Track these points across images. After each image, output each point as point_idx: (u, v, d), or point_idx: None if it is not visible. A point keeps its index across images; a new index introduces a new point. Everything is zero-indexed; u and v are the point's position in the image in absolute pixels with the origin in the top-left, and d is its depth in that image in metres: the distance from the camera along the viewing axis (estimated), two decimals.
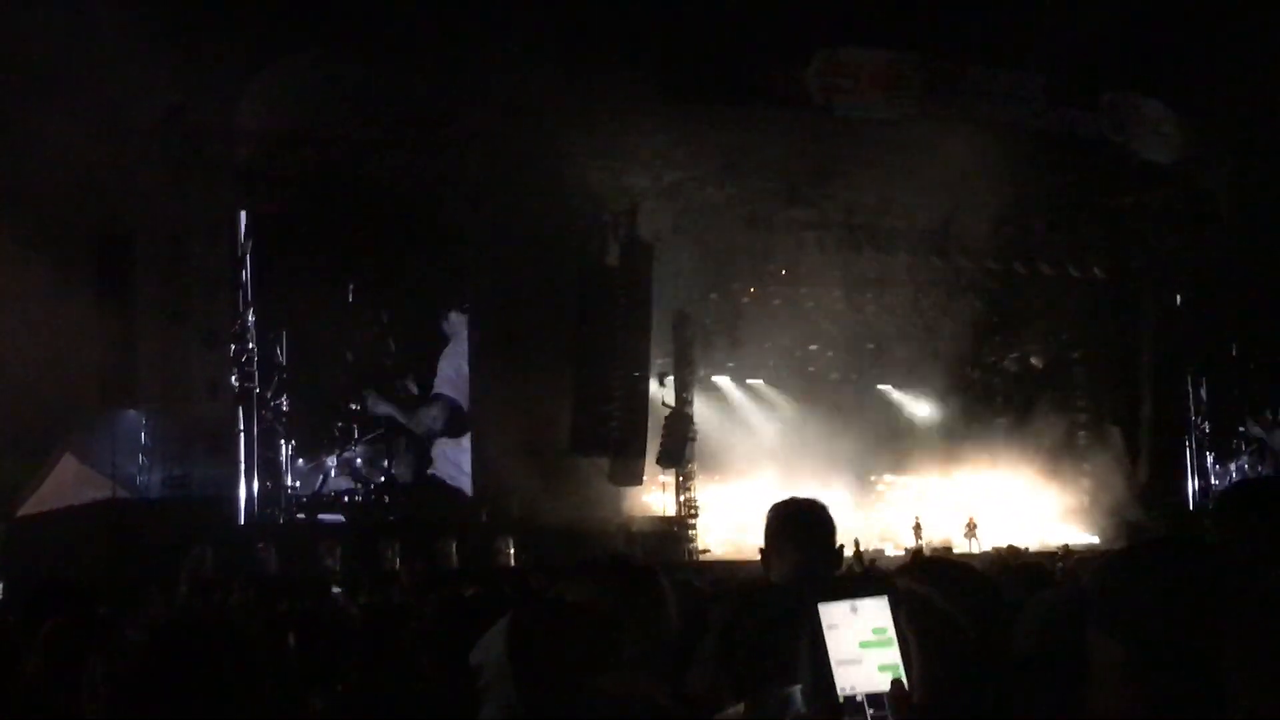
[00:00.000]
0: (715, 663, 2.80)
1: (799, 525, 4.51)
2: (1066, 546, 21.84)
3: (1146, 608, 2.49)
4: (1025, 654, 2.93)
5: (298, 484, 22.23)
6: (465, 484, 23.02)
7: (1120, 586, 2.59)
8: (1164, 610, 2.48)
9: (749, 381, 29.81)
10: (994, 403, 30.49)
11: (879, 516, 29.11)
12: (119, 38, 17.98)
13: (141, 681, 2.40)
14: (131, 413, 20.56)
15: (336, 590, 17.08)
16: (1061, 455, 28.54)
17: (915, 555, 18.17)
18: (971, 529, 26.24)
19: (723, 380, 29.19)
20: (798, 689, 2.32)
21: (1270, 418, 30.33)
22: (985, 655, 2.49)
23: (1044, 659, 2.83)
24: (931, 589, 2.46)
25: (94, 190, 19.42)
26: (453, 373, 23.23)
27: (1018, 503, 26.07)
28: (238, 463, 21.20)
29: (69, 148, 18.40)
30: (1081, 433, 29.68)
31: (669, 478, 25.88)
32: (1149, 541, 2.93)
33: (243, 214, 21.54)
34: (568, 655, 2.90)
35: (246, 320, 21.78)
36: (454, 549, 21.28)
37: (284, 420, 22.21)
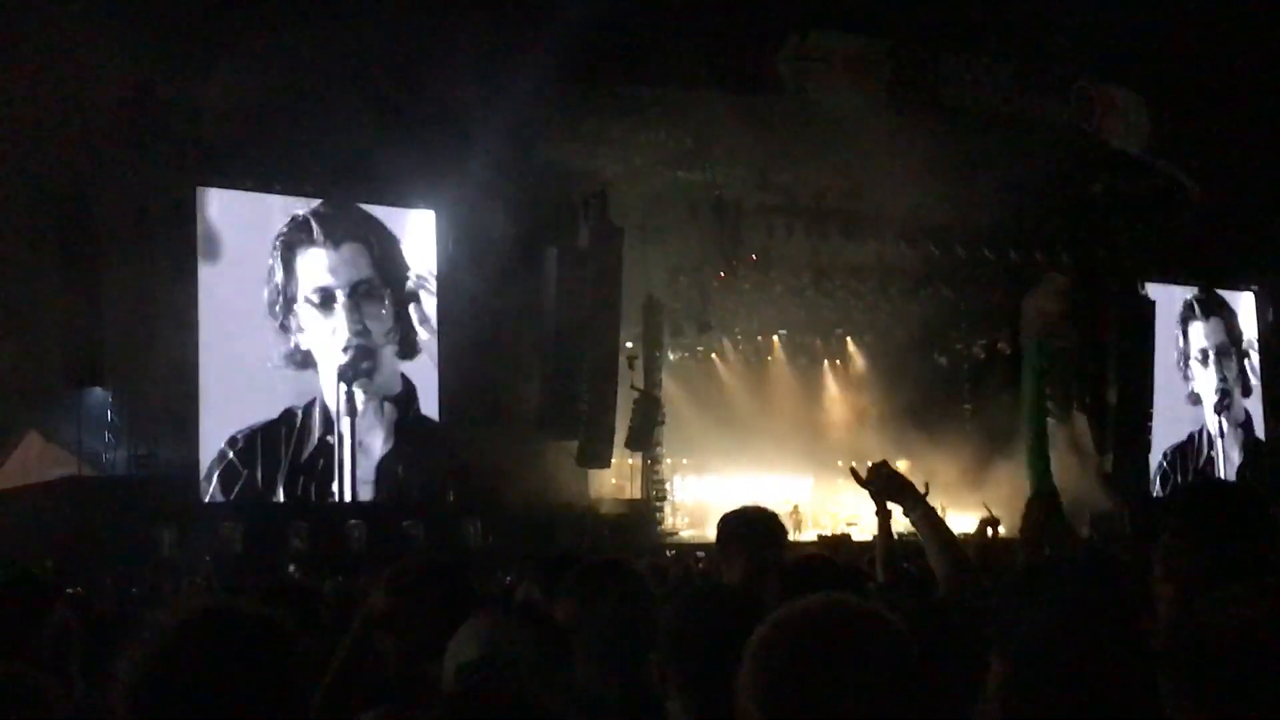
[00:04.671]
0: (666, 664, 2.82)
1: (747, 531, 4.63)
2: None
3: (1025, 629, 2.56)
4: None
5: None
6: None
7: (1008, 608, 2.67)
8: (1039, 633, 2.54)
9: (717, 365, 29.88)
10: (960, 389, 30.63)
11: (844, 499, 29.23)
12: (85, 12, 17.88)
13: (170, 676, 2.23)
14: (98, 391, 20.44)
15: (292, 569, 17.07)
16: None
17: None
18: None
19: (691, 364, 29.24)
20: None
21: None
22: None
23: None
24: None
25: (59, 167, 19.31)
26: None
27: (981, 489, 26.12)
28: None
29: (33, 124, 18.30)
30: (1048, 419, 29.81)
31: (636, 460, 25.95)
32: (1046, 561, 2.97)
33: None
34: (542, 662, 2.91)
35: None
36: (421, 531, 21.29)
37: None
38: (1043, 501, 5.05)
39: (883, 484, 4.74)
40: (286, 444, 21.72)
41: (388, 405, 22.62)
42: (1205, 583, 2.91)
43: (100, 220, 19.90)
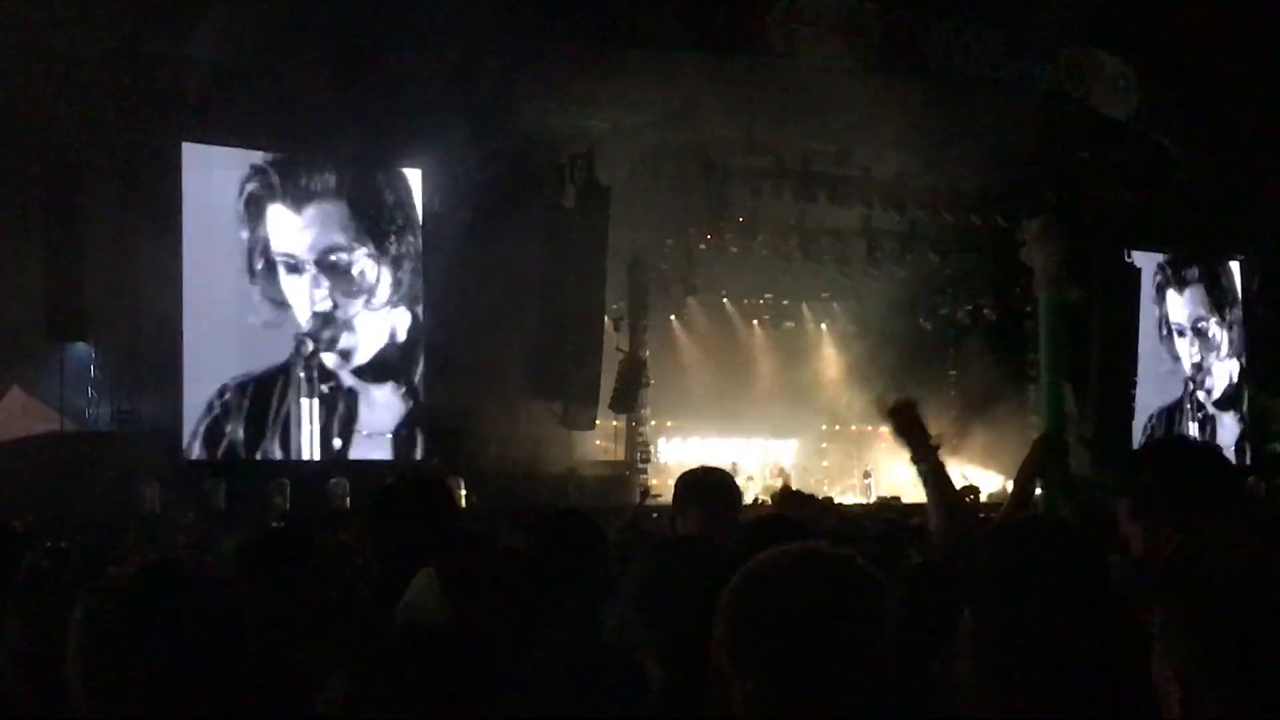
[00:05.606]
0: (634, 614, 2.81)
1: (702, 489, 4.67)
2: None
3: (988, 583, 2.59)
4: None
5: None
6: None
7: (976, 563, 2.70)
8: (1002, 587, 2.57)
9: (703, 327, 29.86)
10: (945, 354, 30.65)
11: (827, 464, 29.39)
12: None
13: (125, 626, 2.21)
14: (81, 346, 20.39)
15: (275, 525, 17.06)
16: (1011, 408, 28.71)
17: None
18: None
19: (677, 326, 29.22)
20: None
21: None
22: None
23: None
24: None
25: (42, 121, 19.20)
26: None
27: (961, 453, 26.20)
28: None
29: (15, 79, 18.17)
30: (1031, 386, 29.84)
31: (621, 422, 25.96)
32: (1014, 522, 2.97)
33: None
34: (507, 604, 2.87)
35: None
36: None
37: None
38: (1050, 443, 4.94)
39: (904, 423, 4.70)
40: (281, 398, 21.77)
41: (365, 366, 22.61)
42: (1178, 526, 2.93)
43: (83, 174, 19.81)
